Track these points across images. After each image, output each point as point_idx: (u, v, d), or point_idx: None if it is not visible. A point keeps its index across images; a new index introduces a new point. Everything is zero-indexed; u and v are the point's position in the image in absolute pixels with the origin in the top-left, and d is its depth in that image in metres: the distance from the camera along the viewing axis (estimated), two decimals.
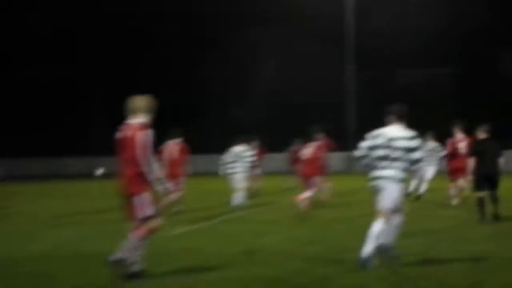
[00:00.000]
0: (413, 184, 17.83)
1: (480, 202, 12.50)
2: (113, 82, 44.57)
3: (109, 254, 7.56)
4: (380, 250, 7.99)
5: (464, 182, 15.17)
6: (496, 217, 12.35)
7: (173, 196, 8.62)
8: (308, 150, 15.82)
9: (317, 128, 16.55)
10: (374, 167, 8.18)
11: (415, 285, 7.11)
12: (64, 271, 8.43)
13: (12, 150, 41.74)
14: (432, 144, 18.36)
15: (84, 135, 46.01)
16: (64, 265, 8.85)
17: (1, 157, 39.31)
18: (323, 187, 16.68)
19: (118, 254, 7.41)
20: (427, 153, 17.35)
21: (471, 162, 12.83)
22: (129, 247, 7.45)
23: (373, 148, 8.17)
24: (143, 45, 46.71)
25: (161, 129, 8.92)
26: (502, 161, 12.75)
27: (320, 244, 10.10)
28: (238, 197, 16.99)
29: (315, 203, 15.40)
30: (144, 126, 7.62)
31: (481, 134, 12.90)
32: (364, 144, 8.29)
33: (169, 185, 7.86)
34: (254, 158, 18.50)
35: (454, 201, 15.96)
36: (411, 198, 16.76)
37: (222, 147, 18.74)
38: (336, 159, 29.93)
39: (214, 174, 19.32)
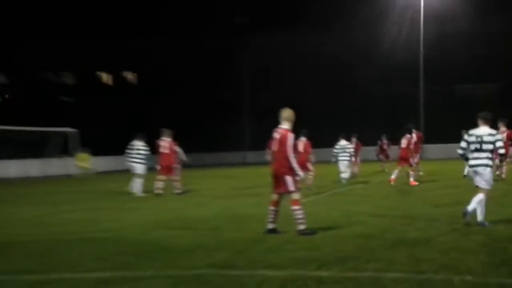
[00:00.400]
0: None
1: None
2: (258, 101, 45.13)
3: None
4: (471, 213, 7.74)
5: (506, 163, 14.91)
6: None
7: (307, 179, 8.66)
8: (403, 141, 15.69)
9: (411, 126, 16.28)
10: (471, 157, 7.91)
11: (503, 246, 6.35)
12: (227, 226, 8.65)
13: (194, 147, 43.08)
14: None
15: (236, 137, 47.25)
16: (227, 222, 9.10)
17: (193, 151, 40.51)
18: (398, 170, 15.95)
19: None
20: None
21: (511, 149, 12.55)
22: (297, 217, 7.44)
23: (469, 143, 7.92)
24: None
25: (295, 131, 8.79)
26: None
27: (401, 210, 9.84)
28: (343, 177, 17.11)
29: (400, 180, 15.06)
30: (290, 130, 7.74)
31: None
32: (462, 144, 8.01)
33: (301, 172, 7.90)
34: (353, 150, 18.40)
35: (503, 176, 15.12)
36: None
37: (330, 142, 18.78)
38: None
39: (327, 162, 19.30)
